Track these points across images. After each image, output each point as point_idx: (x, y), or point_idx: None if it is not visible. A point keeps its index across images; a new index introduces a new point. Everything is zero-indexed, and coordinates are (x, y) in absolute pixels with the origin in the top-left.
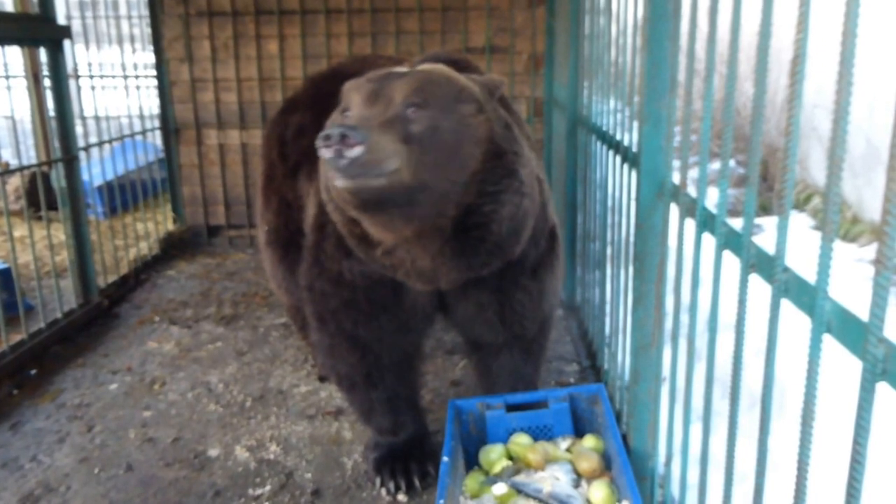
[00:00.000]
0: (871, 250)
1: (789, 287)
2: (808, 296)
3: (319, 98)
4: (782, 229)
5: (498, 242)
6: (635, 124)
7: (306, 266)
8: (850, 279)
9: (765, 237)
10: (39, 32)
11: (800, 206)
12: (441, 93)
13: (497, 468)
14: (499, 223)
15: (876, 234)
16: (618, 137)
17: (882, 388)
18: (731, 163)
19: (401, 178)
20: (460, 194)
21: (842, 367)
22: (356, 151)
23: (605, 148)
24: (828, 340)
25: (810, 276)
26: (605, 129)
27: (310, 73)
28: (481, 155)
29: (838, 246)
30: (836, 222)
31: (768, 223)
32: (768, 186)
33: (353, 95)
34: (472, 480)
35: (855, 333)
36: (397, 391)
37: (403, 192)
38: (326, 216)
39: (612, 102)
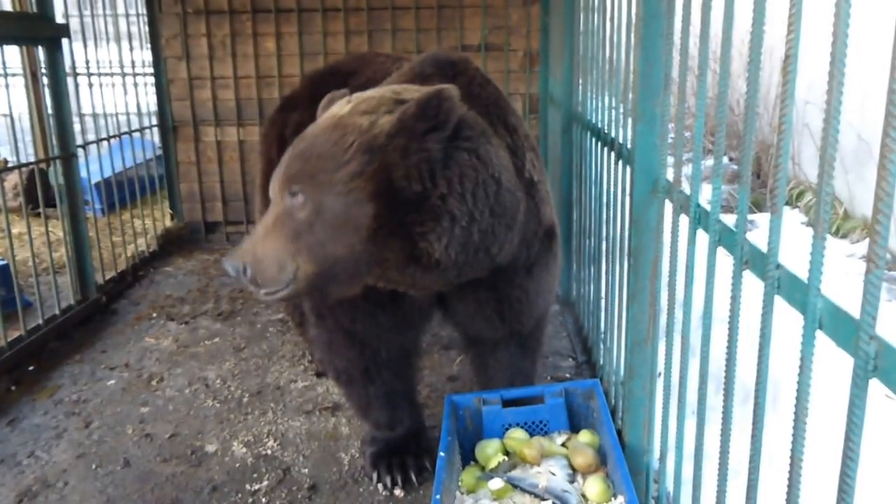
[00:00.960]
0: (862, 246)
1: (782, 284)
2: (800, 292)
3: (318, 96)
4: (775, 227)
5: (461, 264)
6: (629, 121)
7: None
8: (842, 274)
9: (758, 233)
10: (37, 31)
11: (792, 202)
12: (322, 164)
13: (493, 463)
14: (446, 255)
15: (867, 229)
16: (612, 135)
17: (874, 384)
18: (725, 160)
19: (301, 282)
20: (384, 249)
21: (835, 362)
22: (247, 278)
23: (599, 145)
24: (820, 337)
25: (802, 273)
26: (599, 126)
27: (307, 70)
28: (378, 209)
29: (830, 242)
30: (828, 221)
31: (761, 219)
32: (761, 183)
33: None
34: (469, 475)
35: (847, 330)
36: (394, 386)
37: (316, 285)
38: None
39: (606, 100)
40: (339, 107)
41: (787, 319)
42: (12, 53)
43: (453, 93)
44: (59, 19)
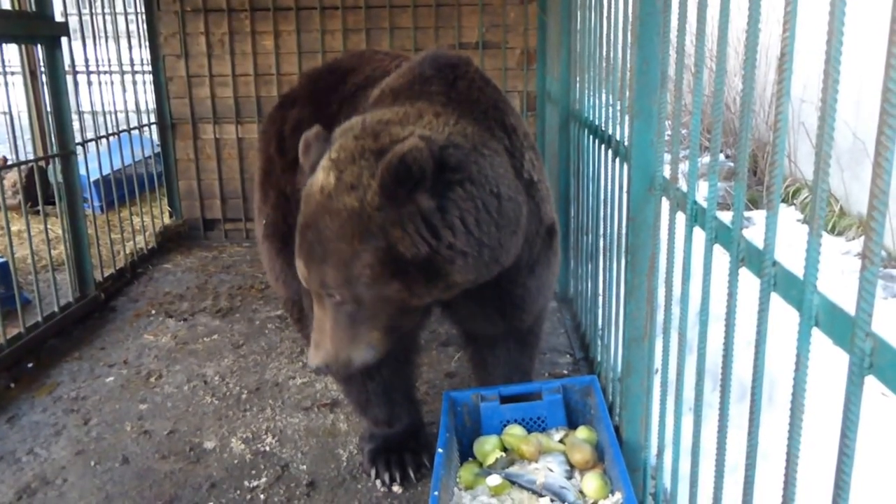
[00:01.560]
0: (858, 243)
1: (778, 281)
2: (796, 290)
3: (317, 93)
4: (771, 224)
5: (476, 278)
6: (626, 119)
7: None
8: (838, 272)
9: (754, 230)
10: (36, 29)
11: (788, 199)
12: (339, 264)
13: (491, 459)
14: (464, 278)
15: (863, 227)
16: (609, 132)
17: (869, 381)
18: (721, 157)
19: (379, 346)
20: (420, 294)
21: (831, 360)
22: (334, 370)
23: (596, 142)
24: (816, 334)
25: (798, 270)
26: (596, 123)
27: (305, 68)
28: (403, 279)
29: (826, 239)
30: (824, 218)
31: (758, 216)
32: (758, 180)
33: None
34: (467, 472)
35: (842, 327)
36: (393, 383)
37: (391, 338)
38: None
39: (603, 97)
40: (323, 174)
41: (784, 317)
42: (11, 52)
43: (417, 145)
44: (58, 18)
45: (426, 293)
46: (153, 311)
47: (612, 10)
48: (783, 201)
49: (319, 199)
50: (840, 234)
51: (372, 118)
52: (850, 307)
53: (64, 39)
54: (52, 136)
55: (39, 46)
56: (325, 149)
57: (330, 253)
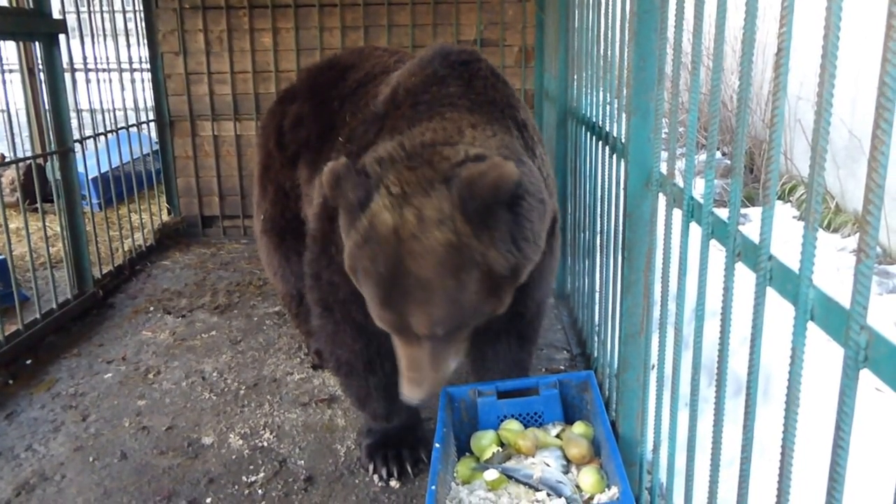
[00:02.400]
0: (853, 240)
1: (774, 275)
2: (791, 284)
3: (316, 88)
4: (767, 218)
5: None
6: (623, 116)
7: (312, 256)
8: (833, 268)
9: (750, 227)
10: (34, 27)
11: (784, 196)
12: (449, 304)
13: (488, 454)
14: (526, 277)
15: (858, 223)
16: (607, 129)
17: (864, 375)
18: (718, 154)
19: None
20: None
21: (826, 356)
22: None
23: (594, 139)
24: (811, 329)
25: (794, 265)
26: (594, 120)
27: (303, 65)
28: (498, 296)
29: (821, 235)
30: (819, 211)
31: (754, 213)
32: (754, 178)
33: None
34: (464, 466)
35: (838, 321)
36: (394, 378)
37: None
38: (335, 210)
39: (600, 95)
40: (393, 214)
41: (779, 312)
42: (9, 49)
43: (503, 169)
44: (56, 15)
45: (509, 299)
46: (151, 308)
47: (610, 7)
48: (779, 198)
49: (400, 241)
50: (836, 231)
51: (411, 141)
52: (845, 301)
53: (62, 37)
54: (51, 133)
55: (37, 44)
56: (366, 183)
57: (433, 293)
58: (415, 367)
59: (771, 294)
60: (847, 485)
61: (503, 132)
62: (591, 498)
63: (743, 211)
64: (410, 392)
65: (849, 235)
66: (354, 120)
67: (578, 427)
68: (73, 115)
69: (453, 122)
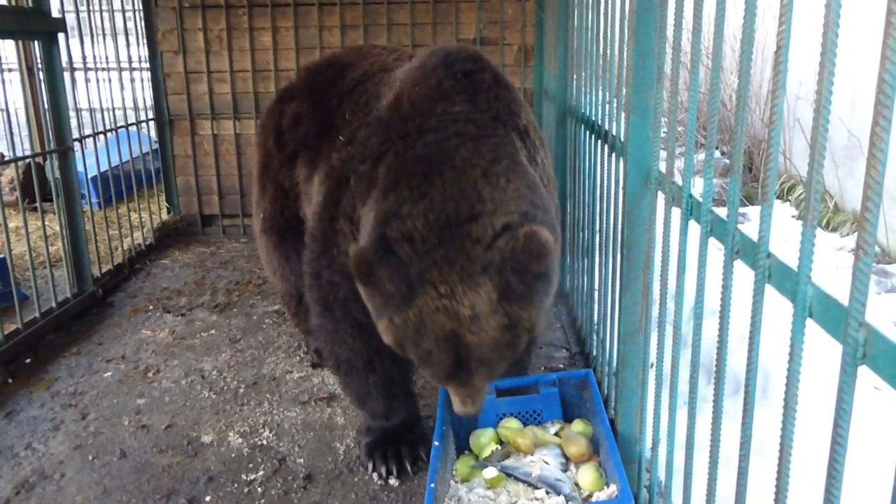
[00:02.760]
0: (852, 239)
1: (773, 272)
2: (790, 281)
3: (315, 87)
4: (766, 216)
5: None
6: (622, 115)
7: (313, 255)
8: (832, 268)
9: (749, 226)
10: (33, 25)
11: (783, 196)
12: (503, 362)
13: (487, 452)
14: None
15: (857, 220)
16: (606, 128)
17: (863, 373)
18: (716, 154)
19: None
20: None
21: (824, 357)
22: None
23: (593, 138)
24: (810, 326)
25: (793, 263)
26: (593, 119)
27: (303, 64)
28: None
29: (820, 235)
30: (818, 209)
31: (753, 212)
32: (753, 177)
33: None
34: (463, 464)
35: (836, 318)
36: (393, 376)
37: None
38: (338, 210)
39: (600, 94)
40: (447, 306)
41: (777, 313)
42: (8, 48)
43: (543, 240)
44: (55, 14)
45: None
46: (151, 307)
47: (609, 6)
48: (778, 198)
49: (459, 336)
50: (834, 230)
51: (435, 215)
52: (843, 298)
53: (61, 35)
54: (50, 132)
55: (36, 42)
56: (403, 272)
57: (495, 364)
58: (466, 396)
59: (769, 293)
60: (845, 483)
61: (511, 165)
62: (590, 496)
63: (742, 210)
64: (466, 409)
65: (847, 235)
66: (355, 119)
67: (577, 425)
68: (72, 114)
69: (468, 180)
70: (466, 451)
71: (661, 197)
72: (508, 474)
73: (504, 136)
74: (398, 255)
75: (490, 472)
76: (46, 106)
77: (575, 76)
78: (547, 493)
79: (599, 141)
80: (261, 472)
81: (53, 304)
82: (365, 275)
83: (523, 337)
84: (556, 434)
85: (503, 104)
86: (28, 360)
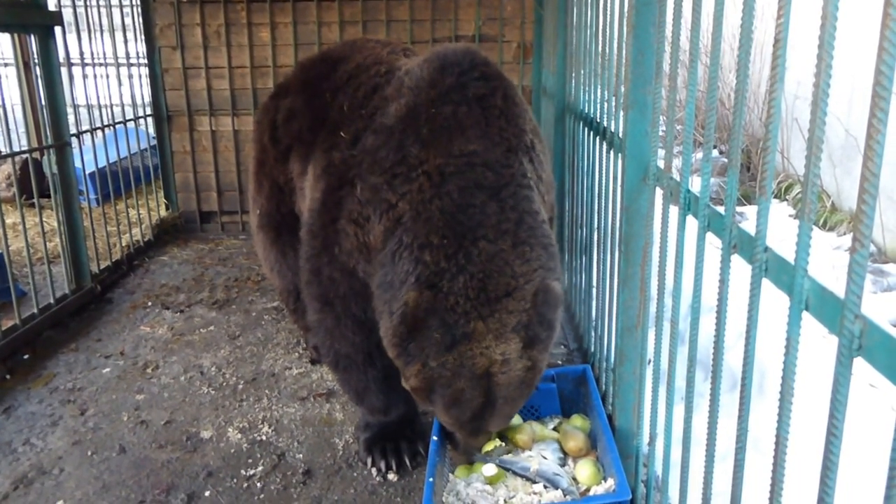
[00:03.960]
0: (849, 239)
1: (769, 266)
2: (787, 274)
3: (308, 82)
4: (763, 210)
5: None
6: (621, 114)
7: (312, 252)
8: (829, 266)
9: (747, 225)
10: (29, 19)
11: (781, 195)
12: (522, 403)
13: (489, 447)
14: None
15: (853, 218)
16: (604, 124)
17: (858, 365)
18: (714, 152)
19: None
20: None
21: (819, 350)
22: None
23: (592, 135)
24: (806, 320)
25: (790, 258)
26: (591, 115)
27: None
28: None
29: (817, 234)
30: (815, 203)
31: (750, 212)
32: (751, 176)
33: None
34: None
35: (832, 310)
36: (392, 371)
37: None
38: (341, 211)
39: (598, 91)
40: (485, 359)
41: (774, 310)
42: (4, 42)
43: (556, 292)
44: (52, 7)
45: None
46: (150, 303)
47: (608, 3)
48: (775, 197)
49: (490, 376)
50: (831, 229)
51: (476, 291)
52: (839, 291)
53: (58, 29)
54: (47, 127)
55: (33, 36)
56: (450, 326)
57: (515, 403)
58: (472, 448)
59: (766, 290)
60: (840, 479)
61: (531, 225)
62: (588, 490)
63: (739, 209)
64: (461, 460)
65: (844, 234)
66: (355, 115)
67: (575, 420)
68: (69, 110)
69: (500, 256)
70: None
71: (659, 193)
72: (507, 469)
73: (517, 172)
74: (445, 319)
75: (489, 469)
76: (43, 101)
77: (574, 73)
78: (545, 487)
79: (598, 138)
80: (260, 468)
81: (51, 301)
82: (418, 323)
83: (538, 377)
84: (555, 429)
85: (512, 127)
86: (26, 357)
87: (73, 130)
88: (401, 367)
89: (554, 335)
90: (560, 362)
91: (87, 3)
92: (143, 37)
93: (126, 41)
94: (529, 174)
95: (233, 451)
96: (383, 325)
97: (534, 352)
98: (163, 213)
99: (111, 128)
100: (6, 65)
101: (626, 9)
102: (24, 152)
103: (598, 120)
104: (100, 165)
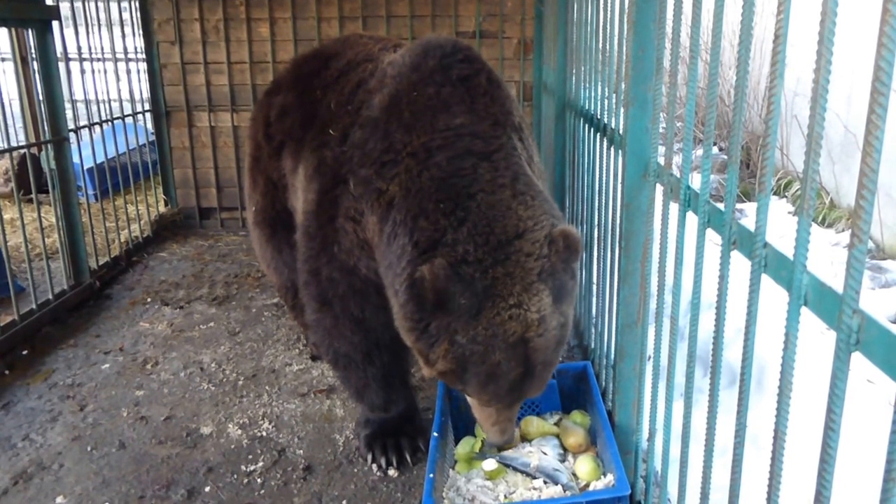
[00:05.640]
0: (847, 235)
1: (769, 262)
2: (786, 270)
3: (301, 78)
4: (762, 206)
5: None
6: (621, 111)
7: (310, 252)
8: (828, 262)
9: (746, 222)
10: (26, 13)
11: (780, 192)
12: (554, 366)
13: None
14: None
15: (853, 211)
16: (605, 121)
17: (856, 358)
18: (714, 150)
19: None
20: None
21: (817, 348)
22: None
23: (592, 131)
24: (805, 316)
25: (789, 252)
26: (592, 112)
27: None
28: None
29: (816, 231)
30: (814, 197)
31: (750, 209)
32: (750, 173)
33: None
34: (465, 446)
35: (830, 305)
36: (391, 369)
37: None
38: (336, 210)
39: (599, 88)
40: (518, 323)
41: (772, 307)
42: (2, 37)
43: (568, 235)
44: (49, 1)
45: None
46: (149, 300)
47: (609, 0)
48: (775, 194)
49: (527, 341)
50: (830, 226)
51: (485, 236)
52: (838, 286)
53: (55, 24)
54: (45, 122)
55: (30, 31)
56: (468, 285)
57: (551, 366)
58: (510, 420)
59: (765, 287)
60: (837, 474)
61: (527, 181)
62: (587, 485)
63: (739, 206)
64: (501, 439)
65: (843, 231)
66: (342, 112)
67: (575, 416)
68: (67, 105)
69: (501, 202)
70: (469, 436)
71: (659, 189)
72: (507, 465)
73: (507, 143)
74: (462, 276)
75: (489, 464)
76: (41, 96)
77: (574, 70)
78: (545, 482)
79: (598, 134)
80: (260, 464)
81: (50, 297)
82: (441, 296)
83: (568, 333)
84: (555, 425)
85: (498, 106)
86: (25, 352)
87: (71, 126)
88: (422, 351)
89: (577, 286)
90: (560, 358)
91: None
92: (141, 32)
93: (124, 36)
94: (519, 150)
95: (233, 446)
96: (395, 312)
97: (563, 306)
98: (162, 209)
99: (109, 123)
100: (3, 60)
101: (626, 5)
102: (21, 147)
103: (599, 116)
104: (98, 161)
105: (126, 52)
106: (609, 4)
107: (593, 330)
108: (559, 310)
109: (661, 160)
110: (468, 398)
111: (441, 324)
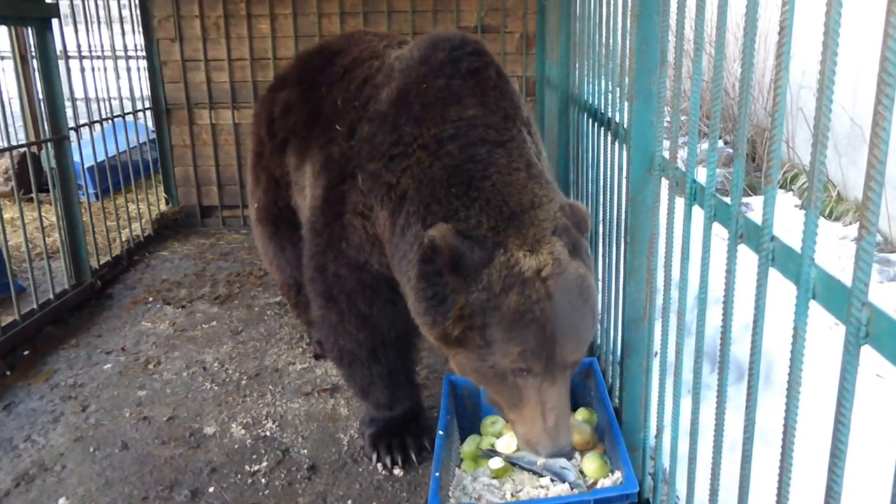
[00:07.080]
0: (855, 229)
1: (776, 255)
2: (794, 263)
3: (305, 74)
4: (769, 198)
5: None
6: (626, 104)
7: (317, 248)
8: (835, 256)
9: (753, 216)
10: (26, 11)
11: (786, 185)
12: (594, 321)
13: (505, 433)
14: None
15: (861, 203)
16: (609, 115)
17: (865, 352)
18: (720, 143)
19: None
20: None
21: (826, 347)
22: None
23: (596, 126)
24: (814, 309)
25: (796, 245)
26: (596, 106)
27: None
28: None
29: (823, 224)
30: (822, 190)
31: (756, 202)
32: (756, 167)
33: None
34: (471, 444)
35: (839, 298)
36: (397, 367)
37: None
38: (345, 205)
39: (603, 82)
40: (531, 258)
41: (780, 301)
42: (1, 35)
43: (577, 212)
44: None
45: None
46: (150, 299)
47: None
48: (781, 187)
49: (544, 280)
50: (837, 219)
51: (499, 208)
52: (846, 280)
53: (55, 22)
54: (45, 121)
55: (30, 29)
56: (480, 240)
57: (583, 317)
58: (561, 408)
59: (773, 281)
60: (847, 470)
61: (539, 170)
62: (595, 483)
63: (745, 200)
64: (565, 440)
65: (850, 224)
66: (349, 108)
67: (582, 413)
68: (67, 104)
69: (517, 180)
70: (473, 435)
71: (664, 184)
72: (513, 463)
73: (518, 135)
74: (474, 238)
75: (496, 463)
76: (41, 94)
77: (577, 63)
78: (552, 480)
79: (602, 128)
80: (264, 463)
81: (51, 296)
82: (454, 256)
83: (594, 296)
84: None
85: (508, 100)
86: (26, 352)
87: (71, 124)
88: (442, 332)
89: (591, 260)
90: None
91: None
92: (141, 29)
93: (124, 33)
94: (529, 144)
95: (237, 446)
96: (410, 302)
97: (581, 259)
98: (163, 207)
99: (110, 121)
100: (3, 58)
101: None
102: (22, 146)
103: (603, 111)
104: (99, 159)
105: (126, 50)
106: None
107: (599, 326)
108: (577, 260)
109: (667, 154)
110: (505, 411)
111: (456, 287)
